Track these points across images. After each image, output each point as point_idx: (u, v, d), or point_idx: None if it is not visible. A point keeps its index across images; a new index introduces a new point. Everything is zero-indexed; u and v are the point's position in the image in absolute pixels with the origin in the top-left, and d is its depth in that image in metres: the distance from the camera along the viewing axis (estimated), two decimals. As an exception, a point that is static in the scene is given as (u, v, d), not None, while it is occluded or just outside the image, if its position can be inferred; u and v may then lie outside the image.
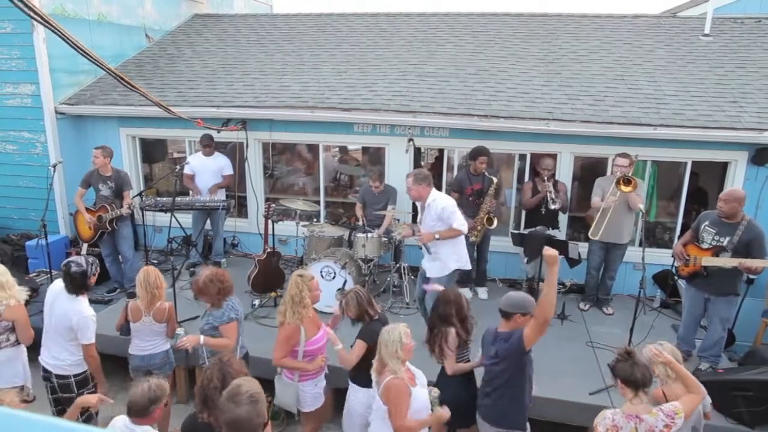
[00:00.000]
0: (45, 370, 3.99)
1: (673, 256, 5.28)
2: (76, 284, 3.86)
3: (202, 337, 3.89)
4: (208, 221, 7.22)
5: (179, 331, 3.80)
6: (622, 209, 5.69)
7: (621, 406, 3.06)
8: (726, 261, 4.66)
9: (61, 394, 3.97)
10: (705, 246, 4.82)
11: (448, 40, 8.58)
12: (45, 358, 3.98)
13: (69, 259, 4.00)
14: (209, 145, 7.02)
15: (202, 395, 2.90)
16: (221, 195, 7.19)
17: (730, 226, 4.68)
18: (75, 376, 3.95)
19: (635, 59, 7.65)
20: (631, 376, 2.96)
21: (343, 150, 9.15)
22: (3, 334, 3.86)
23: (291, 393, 3.90)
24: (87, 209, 6.18)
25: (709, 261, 4.73)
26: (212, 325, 3.94)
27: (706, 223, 4.85)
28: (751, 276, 4.99)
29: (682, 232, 6.43)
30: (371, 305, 3.90)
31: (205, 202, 6.94)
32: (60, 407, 4.02)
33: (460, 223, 4.88)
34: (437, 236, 4.86)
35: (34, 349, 4.12)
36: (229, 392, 2.55)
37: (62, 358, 3.92)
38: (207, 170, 7.05)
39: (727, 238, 4.68)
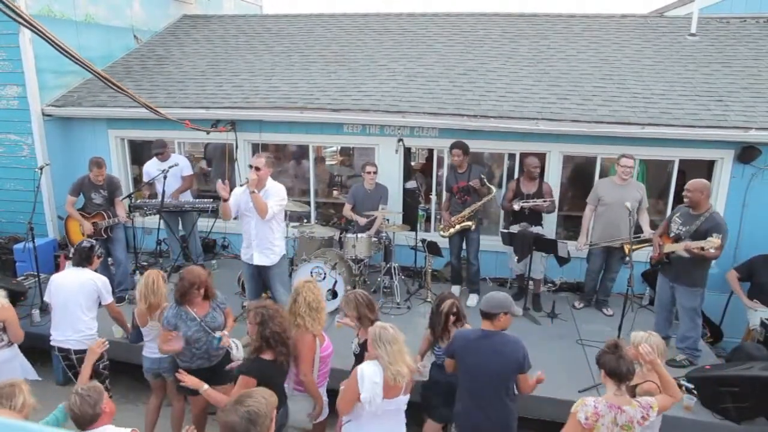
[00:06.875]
0: (61, 350, 4.35)
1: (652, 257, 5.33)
2: (83, 256, 4.41)
3: (225, 332, 4.04)
4: (180, 223, 7.00)
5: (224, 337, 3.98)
6: (618, 211, 5.51)
7: (602, 396, 3.10)
8: (675, 246, 4.84)
9: (79, 367, 4.19)
10: (672, 235, 5.02)
11: (438, 40, 8.60)
12: (58, 338, 4.35)
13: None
14: (162, 153, 6.72)
15: (262, 335, 3.36)
16: (188, 196, 7.04)
17: (695, 217, 4.85)
18: None
19: (623, 59, 7.71)
20: (617, 369, 3.00)
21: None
22: None
23: (305, 408, 3.78)
24: (82, 215, 6.09)
25: (669, 248, 4.96)
26: (217, 320, 4.04)
27: (677, 214, 5.08)
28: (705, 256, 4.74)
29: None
30: (371, 310, 3.80)
31: (194, 204, 6.88)
32: None
33: (280, 199, 5.04)
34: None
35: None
36: (237, 398, 2.55)
37: (79, 329, 4.31)
38: (167, 174, 6.66)
39: (687, 227, 4.85)
